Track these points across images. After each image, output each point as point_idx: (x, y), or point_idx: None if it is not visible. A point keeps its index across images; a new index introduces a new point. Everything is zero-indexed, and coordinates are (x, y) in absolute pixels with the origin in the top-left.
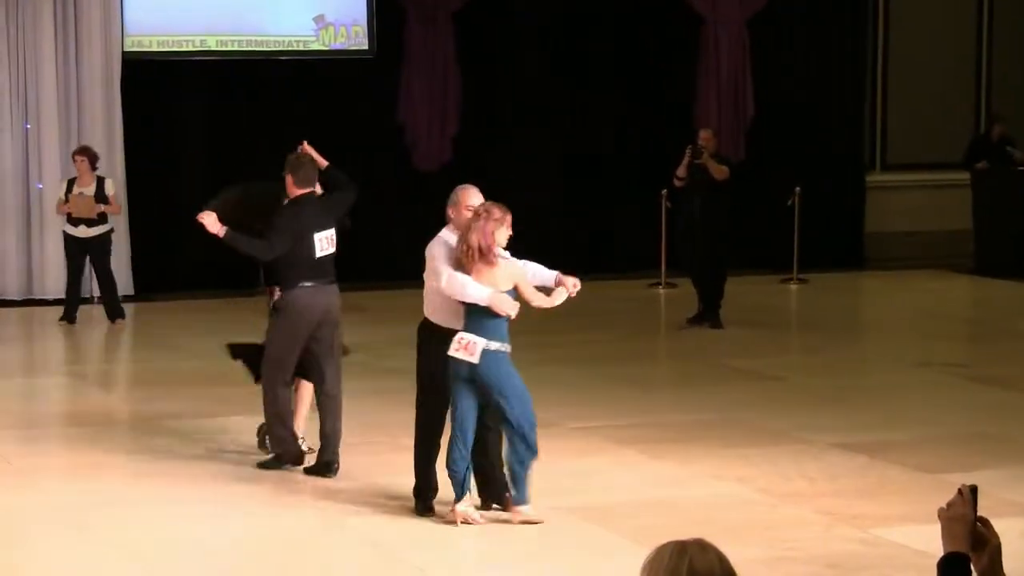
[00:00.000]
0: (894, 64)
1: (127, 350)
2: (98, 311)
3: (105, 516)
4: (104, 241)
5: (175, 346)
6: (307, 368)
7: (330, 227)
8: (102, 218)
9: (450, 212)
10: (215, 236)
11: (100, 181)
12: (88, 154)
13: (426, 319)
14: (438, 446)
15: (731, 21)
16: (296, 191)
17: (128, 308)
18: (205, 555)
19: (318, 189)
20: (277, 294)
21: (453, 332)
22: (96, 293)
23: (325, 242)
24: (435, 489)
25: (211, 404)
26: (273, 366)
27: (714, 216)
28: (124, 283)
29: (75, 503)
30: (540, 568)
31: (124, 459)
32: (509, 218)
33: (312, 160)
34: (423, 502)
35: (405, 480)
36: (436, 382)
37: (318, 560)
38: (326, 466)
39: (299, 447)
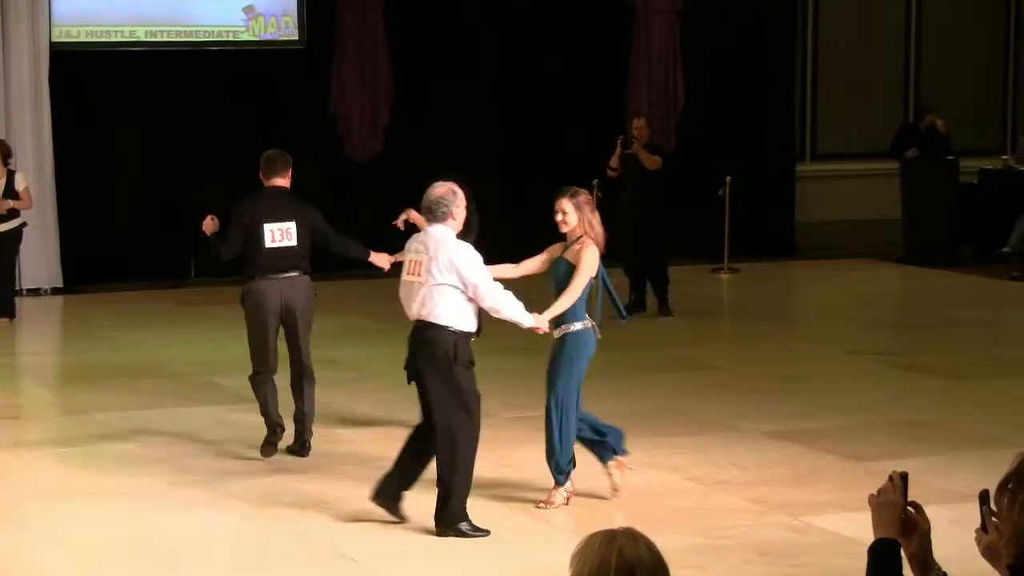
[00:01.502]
0: (824, 54)
1: (56, 342)
2: (28, 303)
3: (36, 511)
4: (15, 237)
5: (105, 337)
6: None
7: (287, 220)
8: (12, 213)
9: (455, 211)
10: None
11: (10, 175)
12: (1, 147)
13: (441, 327)
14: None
15: (662, 11)
16: (264, 184)
17: (57, 300)
18: (138, 549)
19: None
20: None
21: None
22: (25, 285)
23: (279, 233)
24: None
25: (142, 396)
26: (252, 357)
27: (647, 206)
28: (53, 275)
29: (5, 498)
30: (473, 558)
31: (54, 452)
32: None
33: (279, 155)
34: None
35: (345, 473)
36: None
37: (251, 552)
38: (299, 446)
39: (270, 436)
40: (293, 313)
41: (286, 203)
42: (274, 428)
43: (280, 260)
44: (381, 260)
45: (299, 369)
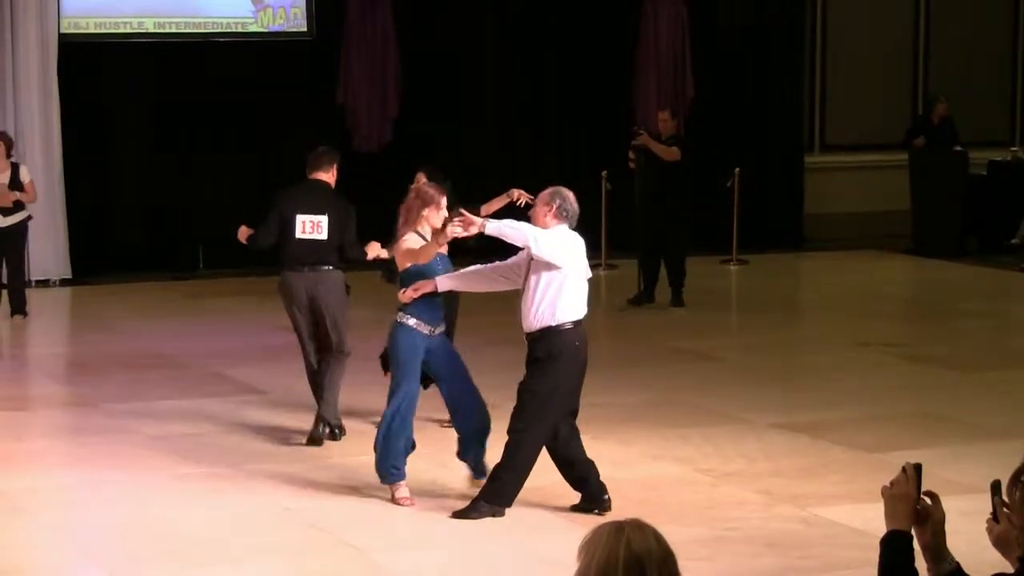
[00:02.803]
0: (832, 45)
1: (65, 334)
2: (37, 295)
3: (44, 501)
4: (21, 230)
5: (113, 329)
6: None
7: (319, 213)
8: (17, 206)
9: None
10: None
11: (15, 168)
12: (4, 139)
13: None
14: None
15: (670, 2)
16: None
17: (66, 292)
18: (145, 539)
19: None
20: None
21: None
22: (34, 277)
23: (308, 225)
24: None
25: (149, 387)
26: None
27: (660, 197)
28: (61, 266)
29: (13, 488)
30: (479, 548)
31: (63, 443)
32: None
33: (326, 151)
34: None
35: (354, 465)
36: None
37: (256, 542)
38: (311, 438)
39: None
40: (320, 307)
41: (322, 196)
42: (327, 425)
43: (309, 252)
44: (372, 249)
45: (325, 362)
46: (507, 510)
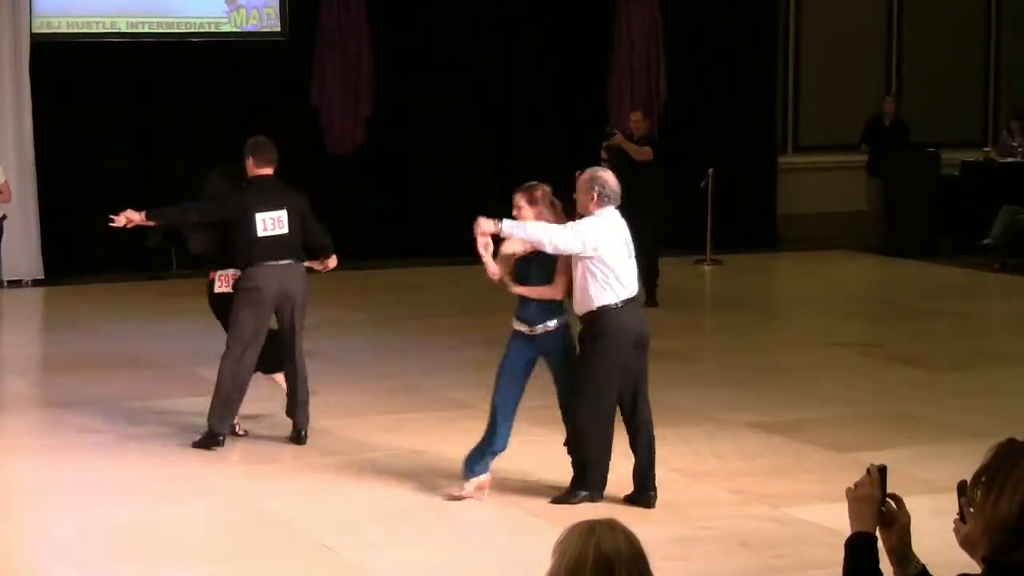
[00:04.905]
0: (806, 46)
1: (38, 334)
2: (10, 295)
3: (16, 502)
4: None
5: (86, 329)
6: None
7: (279, 208)
8: None
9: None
10: (143, 224)
11: None
12: None
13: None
14: None
15: (643, 4)
16: (253, 172)
17: (38, 292)
18: (118, 540)
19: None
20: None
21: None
22: (6, 277)
23: (271, 222)
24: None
25: (123, 388)
26: (234, 340)
27: (632, 197)
28: (34, 267)
29: None
30: (455, 549)
31: (36, 443)
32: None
33: (267, 142)
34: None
35: (328, 465)
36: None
37: (232, 543)
38: (297, 435)
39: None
40: (290, 300)
41: (276, 191)
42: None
43: (275, 248)
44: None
45: (292, 358)
46: (482, 512)
